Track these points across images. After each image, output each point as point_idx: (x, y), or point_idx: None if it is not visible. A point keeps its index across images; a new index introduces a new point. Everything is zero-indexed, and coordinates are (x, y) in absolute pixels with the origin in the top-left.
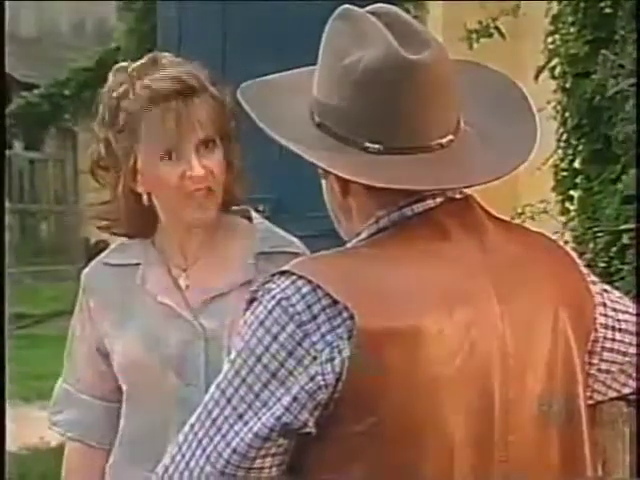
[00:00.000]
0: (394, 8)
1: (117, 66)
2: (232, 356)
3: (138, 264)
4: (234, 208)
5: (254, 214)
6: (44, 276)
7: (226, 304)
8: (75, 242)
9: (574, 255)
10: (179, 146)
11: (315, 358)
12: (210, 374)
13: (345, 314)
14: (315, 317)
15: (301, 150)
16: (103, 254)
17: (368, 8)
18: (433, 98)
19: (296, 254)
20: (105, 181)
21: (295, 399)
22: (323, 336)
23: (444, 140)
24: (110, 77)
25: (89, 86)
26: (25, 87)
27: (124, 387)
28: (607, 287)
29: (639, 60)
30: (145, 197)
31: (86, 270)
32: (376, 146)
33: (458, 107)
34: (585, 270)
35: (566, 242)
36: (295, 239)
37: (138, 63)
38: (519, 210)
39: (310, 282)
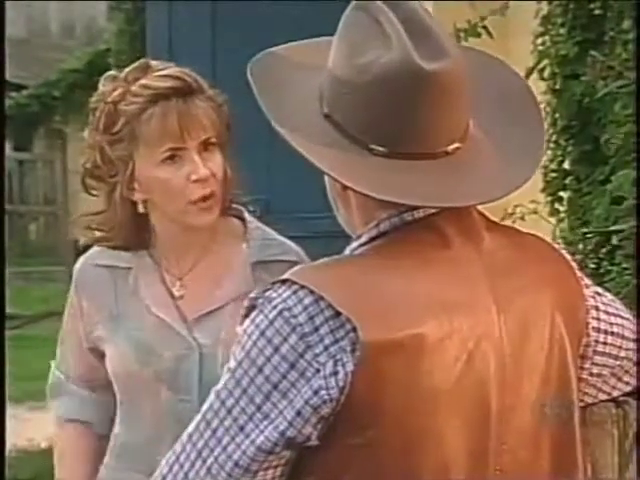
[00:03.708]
0: (413, 4)
1: (107, 74)
2: (232, 365)
3: (130, 268)
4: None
5: (247, 216)
6: (33, 277)
7: (221, 318)
8: (64, 243)
9: (568, 258)
10: (182, 147)
11: (318, 371)
12: (204, 390)
13: (348, 326)
14: (317, 329)
15: (303, 147)
16: (93, 252)
17: (387, 2)
18: (444, 107)
19: (294, 262)
20: (98, 190)
21: (299, 413)
22: (326, 348)
23: (450, 147)
24: (101, 85)
25: (79, 87)
26: (14, 88)
27: (118, 394)
28: (599, 290)
29: (638, 63)
30: (141, 205)
31: (77, 266)
32: (381, 149)
33: (467, 114)
34: (579, 273)
35: (556, 243)
36: (292, 244)
37: (130, 68)
38: (509, 211)
39: (312, 292)
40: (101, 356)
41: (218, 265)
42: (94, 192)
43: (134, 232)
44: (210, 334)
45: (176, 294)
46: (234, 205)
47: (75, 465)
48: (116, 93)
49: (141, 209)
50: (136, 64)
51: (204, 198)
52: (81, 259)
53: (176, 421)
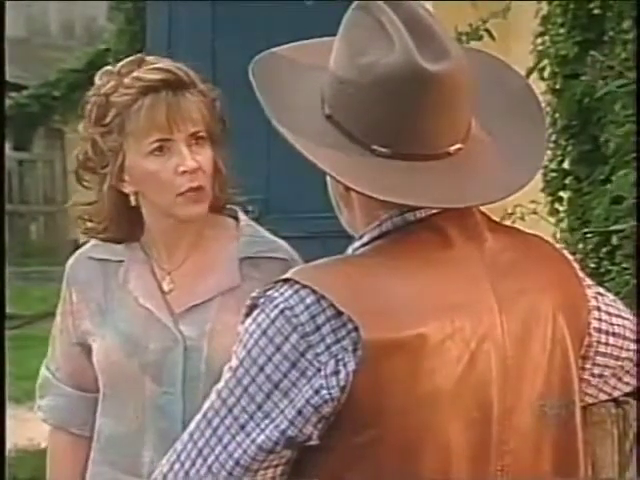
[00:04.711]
0: (415, 4)
1: (104, 69)
2: (233, 364)
3: (122, 261)
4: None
5: (241, 215)
6: (33, 277)
7: (207, 311)
8: (64, 243)
9: (570, 258)
10: (170, 138)
11: (319, 370)
12: (187, 383)
13: (350, 326)
14: (319, 328)
15: (305, 148)
16: (88, 246)
17: (389, 2)
18: (446, 108)
19: (282, 259)
20: (90, 183)
21: (300, 412)
22: (328, 348)
23: (452, 148)
24: (97, 79)
25: (78, 87)
26: (14, 88)
27: (101, 387)
28: (601, 290)
29: (638, 62)
30: (132, 198)
31: (70, 261)
32: (383, 149)
33: (470, 115)
34: (581, 274)
35: (556, 243)
36: (283, 242)
37: (125, 62)
38: (509, 211)
39: (314, 292)
40: (89, 352)
41: (208, 260)
42: (87, 184)
43: (125, 225)
44: (196, 327)
45: (165, 288)
46: (229, 205)
47: (64, 475)
48: (109, 85)
49: (132, 202)
50: (131, 58)
51: (192, 190)
52: (75, 254)
53: (159, 413)
